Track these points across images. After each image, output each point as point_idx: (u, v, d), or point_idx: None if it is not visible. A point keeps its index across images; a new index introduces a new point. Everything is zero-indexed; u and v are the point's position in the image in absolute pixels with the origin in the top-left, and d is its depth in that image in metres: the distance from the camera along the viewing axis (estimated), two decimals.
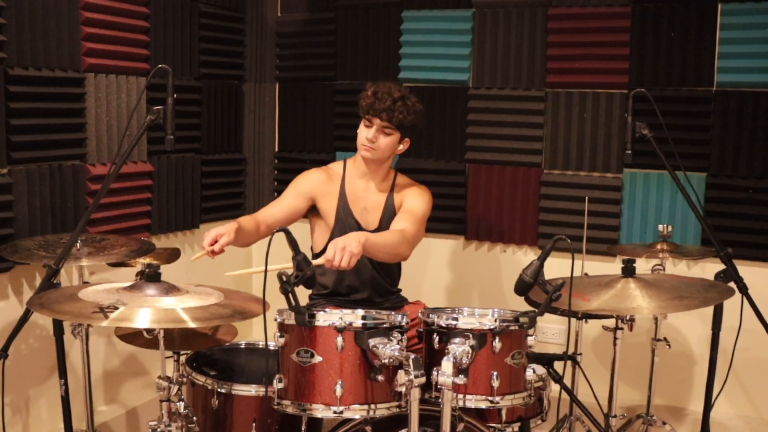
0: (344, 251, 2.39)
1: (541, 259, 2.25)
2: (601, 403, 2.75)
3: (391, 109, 2.82)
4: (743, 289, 2.65)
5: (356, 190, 2.97)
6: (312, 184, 2.97)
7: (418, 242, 2.88)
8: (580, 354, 3.00)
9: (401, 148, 2.94)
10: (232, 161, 4.08)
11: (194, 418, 2.37)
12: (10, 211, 2.86)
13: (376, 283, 2.99)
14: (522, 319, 2.25)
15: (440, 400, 2.05)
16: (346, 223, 2.93)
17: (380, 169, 2.98)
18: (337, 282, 2.97)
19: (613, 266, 3.44)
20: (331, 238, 2.92)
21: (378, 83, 2.90)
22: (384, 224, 2.97)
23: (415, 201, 2.96)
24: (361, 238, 2.46)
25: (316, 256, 2.99)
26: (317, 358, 2.12)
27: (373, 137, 2.86)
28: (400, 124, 2.85)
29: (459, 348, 2.15)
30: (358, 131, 2.93)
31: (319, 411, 2.12)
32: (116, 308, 1.98)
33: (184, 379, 2.51)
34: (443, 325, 2.24)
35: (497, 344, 2.20)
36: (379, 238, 2.65)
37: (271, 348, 2.57)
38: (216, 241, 2.56)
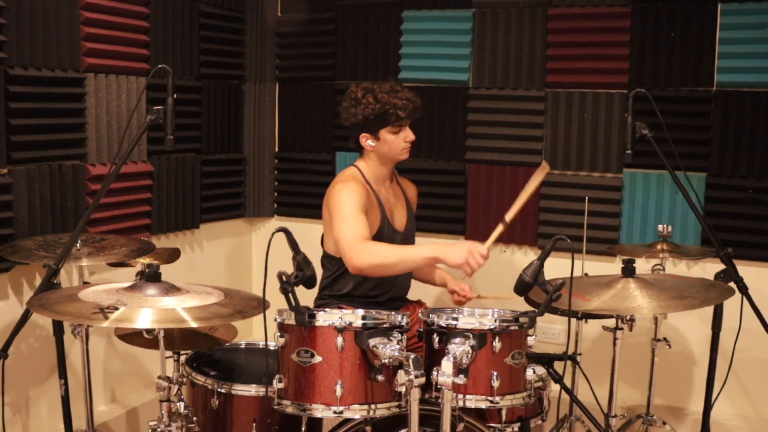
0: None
1: (541, 259, 2.26)
2: (601, 403, 2.75)
3: (419, 106, 2.89)
4: (743, 289, 2.65)
5: (382, 194, 2.95)
6: (364, 199, 2.80)
7: None
8: (580, 354, 3.01)
9: None
10: (232, 161, 4.09)
11: (194, 418, 2.37)
12: (10, 211, 2.87)
13: (394, 295, 3.02)
14: (522, 319, 2.25)
15: (440, 400, 2.05)
16: (385, 231, 2.90)
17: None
18: (381, 290, 2.95)
19: (613, 266, 3.44)
20: None
21: (374, 90, 2.85)
22: (410, 224, 3.01)
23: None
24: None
25: (329, 258, 2.94)
26: (317, 358, 2.12)
27: (413, 135, 2.89)
28: None
29: (459, 348, 2.15)
30: (376, 144, 2.87)
31: (319, 411, 2.12)
32: (116, 309, 1.98)
33: (184, 379, 2.51)
34: (443, 325, 2.24)
35: (497, 344, 2.20)
36: None
37: (271, 348, 2.57)
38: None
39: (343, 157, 4.05)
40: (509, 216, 2.70)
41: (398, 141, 2.86)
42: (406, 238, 2.99)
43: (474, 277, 3.82)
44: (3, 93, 2.82)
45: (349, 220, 2.70)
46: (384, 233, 2.88)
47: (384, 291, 2.95)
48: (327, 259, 2.95)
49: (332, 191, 2.82)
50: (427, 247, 2.65)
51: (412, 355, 2.02)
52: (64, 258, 2.39)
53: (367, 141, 2.88)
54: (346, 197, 2.75)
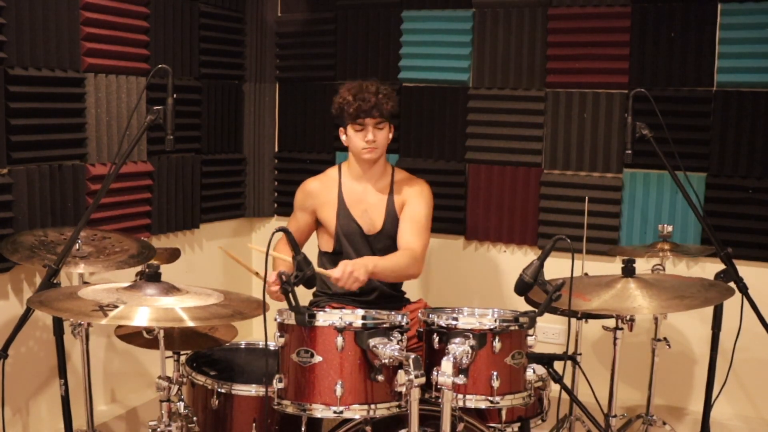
0: (351, 276, 2.53)
1: (541, 259, 2.25)
2: (601, 403, 2.75)
3: (378, 103, 2.86)
4: (743, 289, 2.65)
5: (354, 194, 2.97)
6: (309, 197, 3.01)
7: (426, 251, 2.94)
8: (580, 354, 3.00)
9: (390, 136, 2.97)
10: (232, 161, 4.09)
11: (194, 418, 2.37)
12: (10, 211, 2.87)
13: (381, 291, 3.00)
14: (522, 319, 2.25)
15: (440, 400, 2.05)
16: (348, 228, 2.94)
17: (378, 167, 2.98)
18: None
19: (613, 266, 3.44)
20: (336, 244, 2.96)
21: (348, 86, 2.90)
22: (387, 226, 2.97)
23: (416, 206, 2.95)
24: (369, 266, 2.60)
25: (324, 254, 3.02)
26: (317, 358, 2.12)
27: (372, 137, 2.87)
28: (390, 115, 2.91)
29: (459, 348, 2.15)
30: (346, 139, 2.94)
31: (319, 411, 2.12)
32: (116, 306, 1.98)
33: (184, 379, 2.51)
34: (443, 325, 2.24)
35: (497, 344, 2.20)
36: (389, 263, 2.75)
37: (271, 348, 2.57)
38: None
39: (343, 157, 4.01)
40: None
41: (358, 139, 2.89)
42: (378, 240, 2.97)
43: (474, 275, 3.84)
44: (3, 93, 2.82)
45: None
46: (340, 230, 2.94)
47: (364, 290, 2.93)
48: (319, 253, 3.05)
49: None
50: None
51: (412, 355, 2.02)
52: (64, 258, 2.39)
53: (342, 135, 2.98)
54: (295, 195, 3.05)
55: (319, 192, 3.00)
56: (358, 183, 2.99)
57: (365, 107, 2.84)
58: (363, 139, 2.87)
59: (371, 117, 2.85)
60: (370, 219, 2.97)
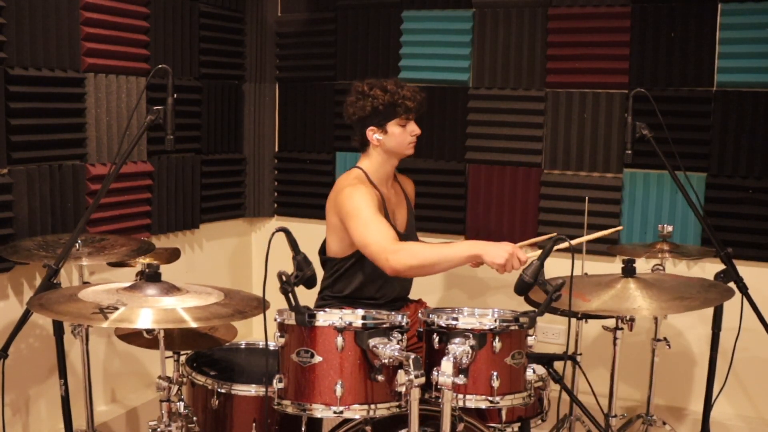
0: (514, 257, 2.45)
1: (541, 259, 2.25)
2: (601, 403, 2.75)
3: (425, 100, 2.89)
4: (743, 289, 2.65)
5: (385, 196, 2.93)
6: (376, 200, 2.77)
7: None
8: (580, 354, 3.00)
9: None
10: (232, 161, 4.09)
11: (194, 418, 2.37)
12: (10, 211, 2.87)
13: (397, 295, 3.01)
14: (522, 319, 2.24)
15: (440, 400, 2.05)
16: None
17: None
18: (384, 292, 2.94)
19: (613, 266, 3.44)
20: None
21: (381, 82, 2.86)
22: (410, 225, 3.00)
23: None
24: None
25: (330, 260, 2.94)
26: (317, 358, 2.12)
27: (419, 130, 2.88)
28: None
29: (459, 348, 2.15)
30: (383, 138, 2.85)
31: (319, 411, 2.12)
32: (116, 309, 1.98)
33: (184, 379, 2.51)
34: (443, 325, 2.23)
35: (497, 344, 2.20)
36: None
37: (271, 348, 2.57)
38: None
39: (343, 157, 4.05)
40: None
41: (405, 134, 2.86)
42: (407, 240, 2.98)
43: (474, 275, 3.83)
44: (3, 93, 2.82)
45: (373, 223, 2.65)
46: None
47: (387, 292, 2.94)
48: (328, 260, 2.95)
49: (342, 196, 2.76)
50: (466, 245, 2.58)
51: (412, 355, 2.02)
52: (64, 258, 2.39)
53: (374, 135, 2.86)
54: (361, 201, 2.70)
55: (375, 195, 2.81)
56: (383, 185, 2.94)
57: (419, 99, 2.85)
58: (411, 133, 2.87)
59: (417, 113, 2.87)
60: (398, 221, 2.96)
